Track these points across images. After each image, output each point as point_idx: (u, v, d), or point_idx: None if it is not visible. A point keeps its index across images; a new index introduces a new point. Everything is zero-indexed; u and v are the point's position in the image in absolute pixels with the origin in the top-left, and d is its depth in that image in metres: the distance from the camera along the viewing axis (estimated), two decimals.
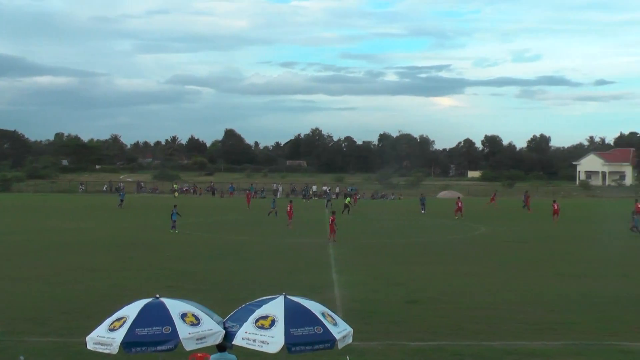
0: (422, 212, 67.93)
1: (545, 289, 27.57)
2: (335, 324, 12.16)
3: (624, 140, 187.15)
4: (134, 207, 73.15)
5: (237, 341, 11.80)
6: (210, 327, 11.98)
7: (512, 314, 22.82)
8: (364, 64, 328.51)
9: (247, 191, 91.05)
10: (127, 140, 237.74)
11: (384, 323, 21.34)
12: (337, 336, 11.88)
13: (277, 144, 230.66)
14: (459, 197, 70.29)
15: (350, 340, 12.46)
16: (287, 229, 51.40)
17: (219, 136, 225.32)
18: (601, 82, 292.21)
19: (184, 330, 11.59)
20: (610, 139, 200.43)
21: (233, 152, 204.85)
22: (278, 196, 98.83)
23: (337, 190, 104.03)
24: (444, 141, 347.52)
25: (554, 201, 63.30)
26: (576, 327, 21.23)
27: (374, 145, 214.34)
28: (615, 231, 51.24)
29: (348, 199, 71.04)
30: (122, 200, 73.22)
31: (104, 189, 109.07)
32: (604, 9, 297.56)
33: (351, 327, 12.69)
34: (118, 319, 11.84)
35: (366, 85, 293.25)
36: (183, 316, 11.86)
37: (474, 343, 19.11)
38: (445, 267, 33.40)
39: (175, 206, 50.26)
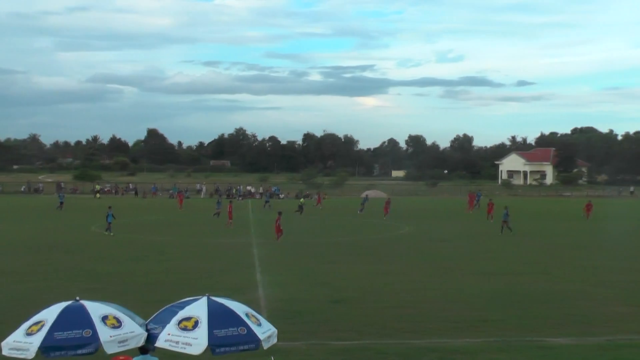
0: (360, 212, 67.60)
1: (468, 287, 27.90)
2: (259, 325, 12.06)
3: (544, 140, 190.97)
4: (72, 209, 70.82)
5: (160, 343, 11.61)
6: (132, 330, 11.74)
7: (435, 312, 23.02)
8: (289, 63, 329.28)
9: (179, 192, 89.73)
10: (47, 139, 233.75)
11: (309, 323, 21.30)
12: (262, 337, 11.78)
13: (201, 143, 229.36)
14: (388, 198, 70.28)
15: (275, 341, 12.37)
16: (227, 228, 51.56)
17: (142, 136, 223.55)
18: (522, 83, 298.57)
19: (105, 333, 11.32)
20: (531, 139, 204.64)
21: (156, 152, 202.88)
22: (202, 196, 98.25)
23: (260, 190, 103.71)
24: (368, 141, 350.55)
25: (490, 200, 64.18)
26: (498, 324, 21.53)
27: (299, 145, 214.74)
28: (536, 229, 52.22)
29: (302, 199, 70.52)
30: (61, 203, 70.35)
31: (22, 189, 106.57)
32: (525, 11, 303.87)
33: (276, 327, 12.62)
34: (36, 323, 11.48)
35: (291, 85, 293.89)
36: (104, 319, 11.59)
37: (398, 341, 19.19)
38: (370, 266, 33.52)
39: (110, 207, 48.89)
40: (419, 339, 19.44)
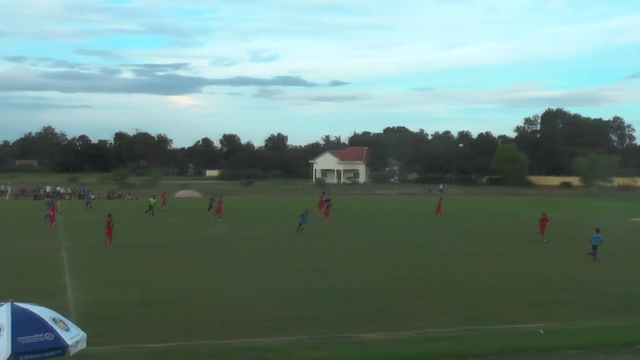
0: (209, 211, 66.37)
1: (282, 285, 28.06)
2: (67, 330, 11.66)
3: (357, 139, 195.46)
4: None
5: None
6: (78, 332, 11.93)
7: (250, 311, 22.97)
8: (100, 60, 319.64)
9: None
10: None
11: (120, 326, 20.74)
12: (69, 342, 11.43)
13: (6, 142, 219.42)
14: (221, 197, 68.60)
15: (84, 345, 12.02)
16: (49, 229, 49.78)
17: None
18: (336, 83, 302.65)
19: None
20: (345, 138, 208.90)
21: None
22: (7, 198, 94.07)
23: (69, 190, 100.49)
24: (182, 140, 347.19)
25: (327, 200, 64.76)
26: (312, 321, 21.75)
27: (110, 144, 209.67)
28: (349, 227, 53.30)
29: (152, 199, 68.10)
30: None
31: None
32: (338, 12, 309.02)
33: (85, 332, 12.21)
34: None
35: (102, 83, 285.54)
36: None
37: (212, 342, 19.01)
38: (182, 267, 33.12)
39: None
40: (233, 339, 19.31)
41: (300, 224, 47.29)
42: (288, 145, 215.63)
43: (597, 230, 38.65)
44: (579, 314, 23.63)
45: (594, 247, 37.24)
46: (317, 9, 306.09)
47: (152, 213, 64.07)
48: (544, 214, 47.52)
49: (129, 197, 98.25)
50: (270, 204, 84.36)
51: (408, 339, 19.85)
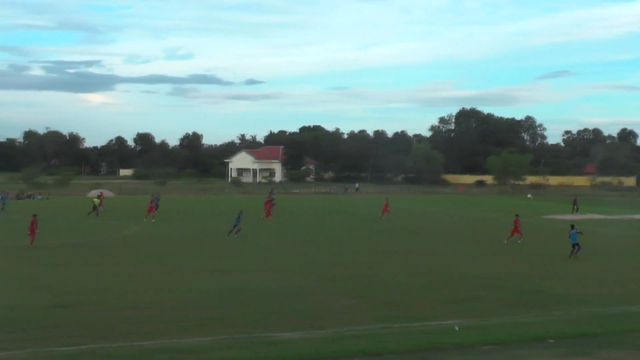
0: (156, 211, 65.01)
1: (197, 286, 27.73)
2: None
3: (273, 138, 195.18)
4: None
5: None
6: None
7: (164, 312, 22.61)
8: (8, 56, 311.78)
9: None
10: None
11: (30, 330, 20.15)
12: None
13: None
14: (152, 197, 67.15)
15: None
16: None
17: None
18: (252, 82, 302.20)
19: None
20: (260, 137, 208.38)
21: None
22: None
23: None
24: (94, 139, 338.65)
25: (272, 200, 64.29)
26: (227, 321, 21.53)
27: (19, 142, 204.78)
28: (264, 227, 53.09)
29: (96, 199, 66.15)
30: None
31: None
32: (254, 10, 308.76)
33: None
34: None
35: (10, 80, 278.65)
36: None
37: (126, 344, 18.60)
38: (98, 267, 32.49)
39: None
40: (148, 340, 18.93)
41: (234, 225, 46.51)
42: (203, 144, 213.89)
43: (572, 227, 39.12)
44: (492, 310, 23.95)
45: (575, 244, 37.66)
46: (233, 7, 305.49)
47: (97, 214, 62.44)
48: (516, 215, 45.89)
49: (39, 197, 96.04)
50: (186, 203, 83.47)
51: (325, 337, 19.79)
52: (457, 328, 20.84)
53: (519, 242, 43.41)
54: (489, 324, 21.76)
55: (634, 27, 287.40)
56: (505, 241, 43.42)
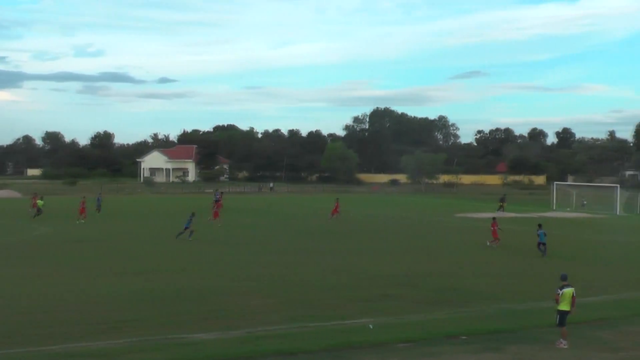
0: (98, 212, 63.44)
1: (107, 288, 27.19)
2: None
3: (187, 138, 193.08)
4: None
5: None
6: None
7: (73, 315, 22.12)
8: None
9: None
10: None
11: None
12: None
13: None
14: (84, 198, 64.99)
15: None
16: None
17: None
18: (164, 80, 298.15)
19: None
20: (174, 136, 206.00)
21: None
22: None
23: None
24: (0, 138, 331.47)
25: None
26: (139, 323, 21.19)
27: None
28: (177, 227, 52.57)
29: (40, 201, 63.68)
30: None
31: None
32: (166, 8, 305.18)
33: None
34: None
35: None
36: None
37: (31, 349, 18.10)
38: (2, 270, 31.53)
39: None
40: (55, 345, 18.45)
41: (185, 228, 45.44)
42: (115, 144, 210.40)
43: (540, 226, 40.09)
44: (407, 308, 24.16)
45: (541, 244, 38.56)
46: (144, 4, 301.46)
47: (39, 214, 60.42)
48: (494, 219, 44.84)
49: None
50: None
51: (239, 338, 19.66)
52: (372, 326, 20.92)
53: (495, 245, 42.28)
54: (403, 322, 21.92)
55: (544, 29, 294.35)
56: (489, 243, 42.52)
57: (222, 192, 74.46)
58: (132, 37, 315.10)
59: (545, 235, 39.08)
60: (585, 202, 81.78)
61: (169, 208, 60.47)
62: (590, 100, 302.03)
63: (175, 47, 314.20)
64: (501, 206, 73.49)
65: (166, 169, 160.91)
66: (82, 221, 55.58)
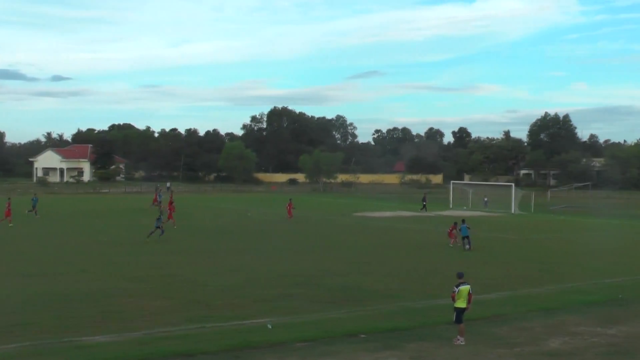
0: (31, 212, 60.81)
1: (1, 291, 26.38)
2: None
3: (82, 137, 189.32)
4: None
5: None
6: None
7: None
8: None
9: None
10: None
11: None
12: None
13: None
14: (8, 198, 62.14)
15: None
16: None
17: None
18: (58, 78, 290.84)
19: None
20: (68, 135, 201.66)
21: None
22: None
23: None
24: None
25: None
26: (34, 327, 20.66)
27: None
28: (74, 227, 51.45)
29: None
30: None
31: None
32: (60, 4, 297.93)
33: None
34: None
35: None
36: None
37: None
38: None
39: None
40: None
41: (156, 227, 44.58)
42: (6, 143, 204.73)
43: (463, 221, 42.53)
44: (305, 307, 24.20)
45: (465, 237, 41.03)
46: (37, 0, 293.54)
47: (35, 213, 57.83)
48: (454, 223, 44.13)
49: None
50: None
51: (137, 339, 19.39)
52: (270, 326, 20.88)
53: (452, 245, 42.73)
54: (302, 321, 21.96)
55: (440, 30, 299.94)
56: (452, 244, 42.88)
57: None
58: (23, 33, 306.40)
59: (468, 228, 41.37)
60: (487, 200, 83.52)
61: (66, 209, 58.91)
62: (486, 100, 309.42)
63: (70, 45, 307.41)
64: (424, 206, 74.78)
65: (60, 168, 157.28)
66: (11, 225, 53.42)
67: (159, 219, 45.28)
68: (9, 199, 57.78)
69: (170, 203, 59.55)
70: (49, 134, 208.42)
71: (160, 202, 72.19)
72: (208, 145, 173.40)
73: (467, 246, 40.64)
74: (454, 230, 43.20)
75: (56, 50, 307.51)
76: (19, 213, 57.56)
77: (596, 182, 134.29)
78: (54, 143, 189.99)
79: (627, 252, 42.21)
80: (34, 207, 62.60)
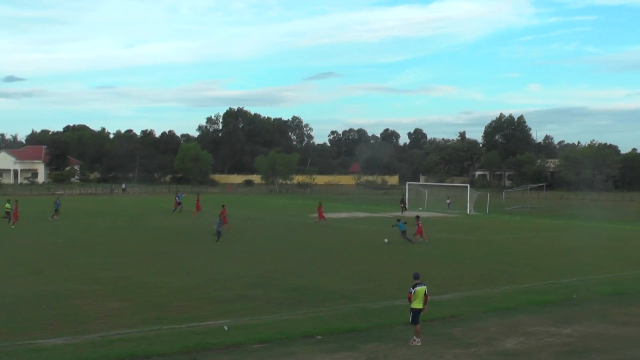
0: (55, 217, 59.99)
1: None
2: None
3: (36, 138, 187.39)
4: None
5: None
6: None
7: None
8: None
9: None
10: None
11: None
12: None
13: None
14: (16, 200, 60.94)
15: None
16: None
17: None
18: (11, 79, 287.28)
19: None
20: (22, 137, 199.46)
21: None
22: None
23: None
24: None
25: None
26: None
27: None
28: (27, 229, 50.83)
29: (7, 204, 58.93)
30: None
31: None
32: (12, 3, 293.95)
33: None
34: None
35: None
36: None
37: None
38: None
39: None
40: None
41: (217, 231, 45.20)
42: None
43: (398, 220, 47.17)
44: (262, 308, 24.17)
45: (403, 232, 44.55)
46: None
47: (9, 220, 56.49)
48: (417, 217, 47.27)
49: None
50: None
51: (92, 342, 19.23)
52: (227, 328, 20.84)
53: (421, 240, 45.16)
54: (258, 323, 21.91)
55: (396, 31, 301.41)
56: (421, 239, 45.11)
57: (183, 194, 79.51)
58: None
59: (405, 224, 44.98)
60: (449, 202, 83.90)
61: (21, 210, 58.02)
62: (441, 101, 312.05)
63: (23, 45, 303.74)
64: (403, 207, 75.28)
65: (14, 170, 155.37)
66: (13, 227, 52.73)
67: (218, 223, 45.77)
68: (17, 201, 57.44)
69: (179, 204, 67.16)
70: (2, 135, 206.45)
71: (180, 203, 72.34)
72: (164, 147, 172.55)
73: (407, 237, 44.25)
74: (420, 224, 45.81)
75: (9, 50, 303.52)
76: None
77: (550, 183, 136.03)
78: (8, 144, 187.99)
79: (581, 253, 42.71)
80: (56, 210, 62.13)
